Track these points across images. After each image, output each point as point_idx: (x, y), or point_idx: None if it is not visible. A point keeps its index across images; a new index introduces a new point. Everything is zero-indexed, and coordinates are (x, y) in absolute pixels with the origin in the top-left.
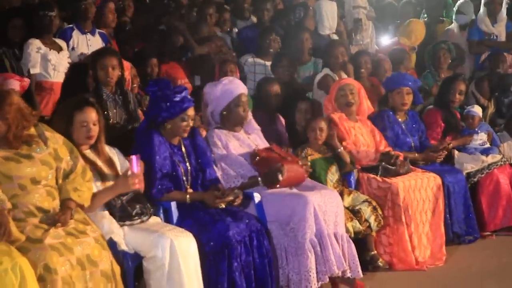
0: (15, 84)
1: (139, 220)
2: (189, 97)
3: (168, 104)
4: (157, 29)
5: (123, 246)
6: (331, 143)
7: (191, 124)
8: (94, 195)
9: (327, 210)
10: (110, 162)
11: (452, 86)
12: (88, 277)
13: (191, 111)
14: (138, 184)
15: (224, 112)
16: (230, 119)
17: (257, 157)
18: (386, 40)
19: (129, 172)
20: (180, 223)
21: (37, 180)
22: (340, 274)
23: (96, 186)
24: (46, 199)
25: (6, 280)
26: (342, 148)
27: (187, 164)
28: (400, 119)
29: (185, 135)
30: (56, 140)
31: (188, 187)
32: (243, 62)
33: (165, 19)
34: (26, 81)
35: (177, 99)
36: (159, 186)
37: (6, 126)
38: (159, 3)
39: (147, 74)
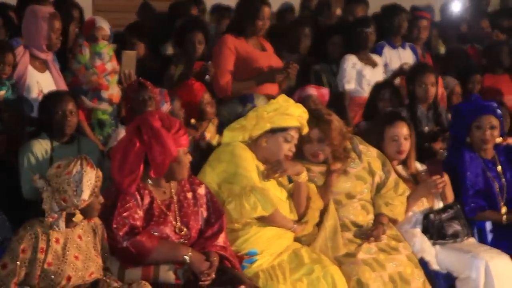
0: (312, 90)
1: (452, 241)
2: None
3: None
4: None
5: (435, 266)
6: None
7: (491, 133)
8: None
9: None
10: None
11: None
12: None
13: (491, 120)
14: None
15: None
16: None
17: None
18: None
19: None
20: (496, 244)
21: (352, 194)
22: None
23: None
24: (361, 213)
25: (319, 287)
26: None
27: (502, 180)
28: None
29: (487, 146)
30: (370, 153)
31: (503, 204)
32: None
33: None
34: (324, 90)
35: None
36: (472, 204)
37: (331, 149)
38: None
39: (468, 90)
